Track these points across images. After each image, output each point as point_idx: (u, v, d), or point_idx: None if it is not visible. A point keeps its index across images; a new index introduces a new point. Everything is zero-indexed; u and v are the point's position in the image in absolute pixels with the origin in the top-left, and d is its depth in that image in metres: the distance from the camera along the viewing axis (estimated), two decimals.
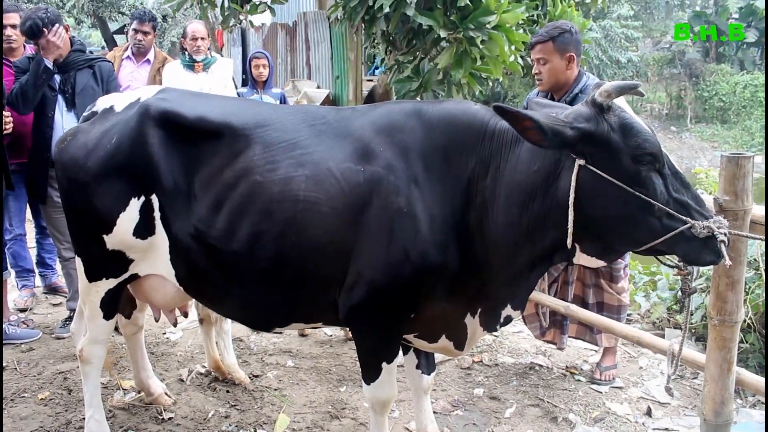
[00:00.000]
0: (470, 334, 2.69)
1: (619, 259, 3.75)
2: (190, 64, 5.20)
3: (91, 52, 5.02)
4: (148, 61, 5.50)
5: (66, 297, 4.88)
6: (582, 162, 2.20)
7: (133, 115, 2.71)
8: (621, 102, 2.41)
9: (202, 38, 5.21)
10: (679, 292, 2.82)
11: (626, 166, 2.17)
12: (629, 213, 2.20)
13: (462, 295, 2.56)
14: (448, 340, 2.71)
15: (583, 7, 8.91)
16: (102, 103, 2.95)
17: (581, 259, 2.38)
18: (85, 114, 2.98)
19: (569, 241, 2.26)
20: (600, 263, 2.45)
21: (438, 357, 4.06)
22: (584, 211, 2.23)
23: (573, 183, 2.20)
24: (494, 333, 4.52)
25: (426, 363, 3.04)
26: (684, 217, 2.16)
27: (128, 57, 5.49)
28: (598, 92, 2.21)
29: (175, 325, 3.38)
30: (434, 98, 6.82)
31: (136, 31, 5.42)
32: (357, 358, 2.78)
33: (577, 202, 2.22)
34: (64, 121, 4.28)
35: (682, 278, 2.43)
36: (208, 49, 5.37)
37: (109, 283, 2.91)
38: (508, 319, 2.65)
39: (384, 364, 2.66)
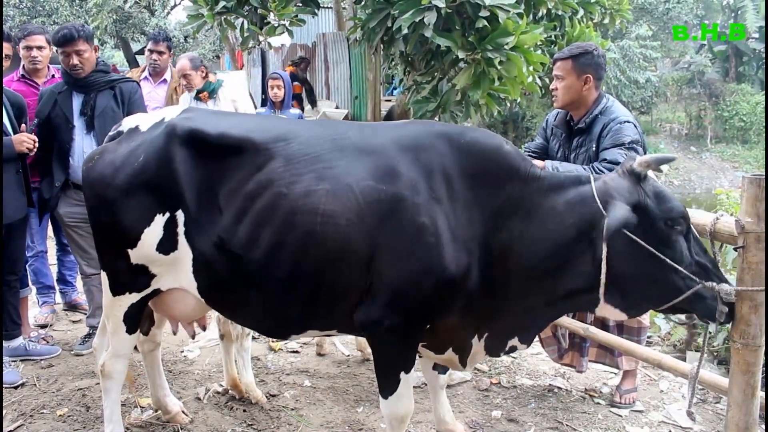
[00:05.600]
0: (471, 354, 2.80)
1: None
2: (197, 97, 5.28)
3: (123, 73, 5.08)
4: (165, 80, 5.61)
5: (86, 314, 4.92)
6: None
7: (160, 135, 2.78)
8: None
9: (186, 75, 5.24)
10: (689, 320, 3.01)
11: (659, 230, 2.40)
12: (659, 273, 2.38)
13: (473, 316, 2.65)
14: (454, 354, 2.79)
15: (602, 27, 8.91)
16: (127, 123, 3.03)
17: (605, 311, 2.53)
18: (111, 134, 3.05)
19: (601, 290, 2.43)
20: (623, 317, 2.60)
21: (455, 379, 4.04)
22: (616, 269, 2.40)
23: (605, 244, 2.38)
24: (512, 355, 4.48)
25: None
26: (705, 282, 2.37)
27: (146, 77, 5.60)
28: (636, 163, 2.43)
29: (193, 337, 3.40)
30: (452, 119, 6.83)
31: (151, 51, 5.53)
32: (374, 378, 2.77)
33: (610, 260, 2.39)
34: (83, 143, 4.26)
35: (689, 331, 2.59)
36: (208, 74, 5.39)
37: (132, 298, 2.96)
38: (513, 349, 2.77)
39: (402, 374, 2.70)
